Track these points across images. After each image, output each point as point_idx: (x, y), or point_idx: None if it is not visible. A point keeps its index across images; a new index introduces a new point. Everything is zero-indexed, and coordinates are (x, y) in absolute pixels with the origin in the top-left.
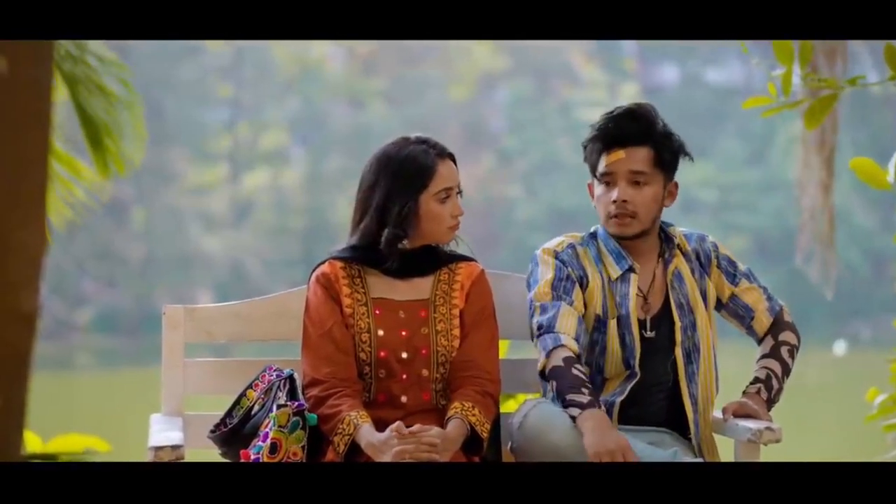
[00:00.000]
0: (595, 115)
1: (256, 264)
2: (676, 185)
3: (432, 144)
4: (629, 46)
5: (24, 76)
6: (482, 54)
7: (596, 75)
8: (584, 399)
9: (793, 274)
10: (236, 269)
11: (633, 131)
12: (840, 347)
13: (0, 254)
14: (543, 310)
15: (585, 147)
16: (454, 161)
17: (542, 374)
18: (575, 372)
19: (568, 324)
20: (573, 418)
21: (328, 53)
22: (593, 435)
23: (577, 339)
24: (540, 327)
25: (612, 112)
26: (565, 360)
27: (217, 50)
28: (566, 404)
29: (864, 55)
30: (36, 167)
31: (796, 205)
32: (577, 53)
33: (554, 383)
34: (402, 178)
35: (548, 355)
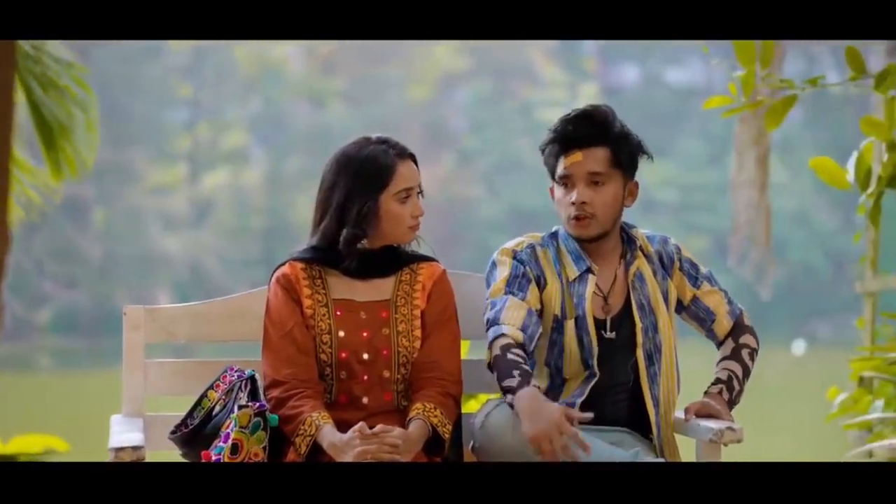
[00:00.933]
0: (555, 115)
1: (216, 264)
2: (637, 184)
3: (392, 144)
4: (589, 46)
5: None
6: (442, 54)
7: (556, 75)
8: (514, 382)
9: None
10: (196, 269)
11: (590, 132)
12: (799, 347)
13: None
14: (493, 305)
15: (543, 150)
16: (415, 161)
17: (489, 367)
18: (510, 356)
19: (513, 315)
20: (511, 406)
21: (289, 53)
22: (527, 418)
23: (523, 330)
24: (487, 322)
25: (568, 115)
26: (502, 347)
27: (178, 50)
28: (504, 392)
29: (824, 55)
30: None
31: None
32: (537, 53)
33: (496, 374)
34: (362, 177)
35: (489, 347)
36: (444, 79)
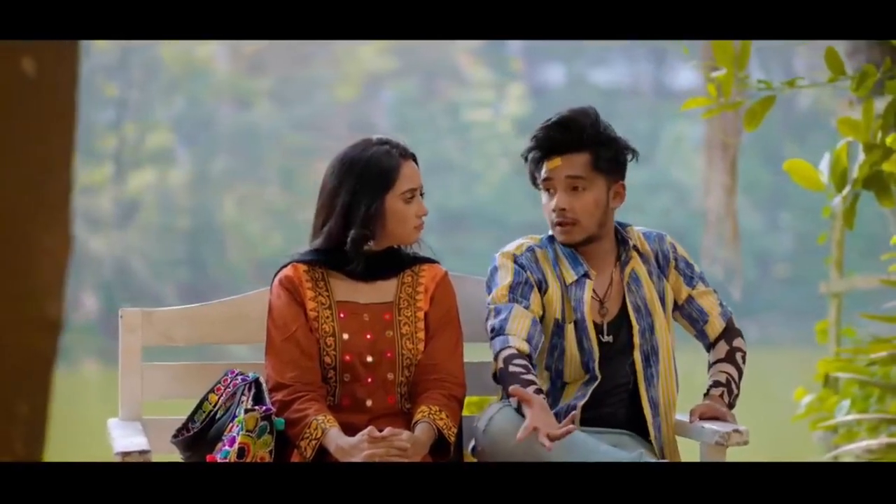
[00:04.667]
0: (483, 116)
1: (142, 265)
2: (623, 185)
3: (394, 145)
4: (515, 47)
5: (50, 78)
6: (368, 55)
7: (482, 76)
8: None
9: None
10: (121, 270)
11: (568, 139)
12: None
13: (25, 260)
14: (497, 312)
15: (526, 158)
16: (416, 161)
17: (494, 377)
18: (512, 369)
19: (519, 325)
20: (519, 408)
21: (214, 53)
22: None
23: (529, 340)
24: (493, 330)
25: (548, 120)
26: (505, 359)
27: (104, 49)
28: (510, 395)
29: (751, 55)
30: (60, 171)
31: (700, 208)
32: (463, 54)
33: (502, 384)
34: (368, 178)
35: (495, 358)
36: (371, 79)
